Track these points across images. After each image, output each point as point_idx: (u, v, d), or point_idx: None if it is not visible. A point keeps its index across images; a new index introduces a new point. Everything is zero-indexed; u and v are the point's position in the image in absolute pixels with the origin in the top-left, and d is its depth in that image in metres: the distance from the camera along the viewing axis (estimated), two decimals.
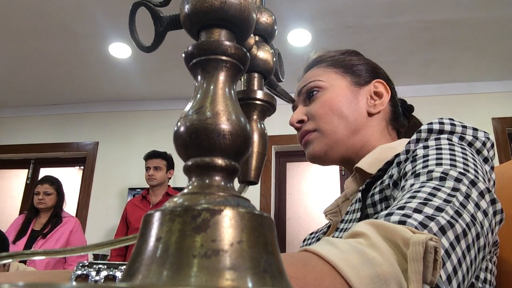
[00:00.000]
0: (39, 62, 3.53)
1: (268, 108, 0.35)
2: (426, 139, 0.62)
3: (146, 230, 0.21)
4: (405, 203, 0.44)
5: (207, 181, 0.23)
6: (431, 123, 0.63)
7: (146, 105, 4.22)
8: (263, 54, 0.35)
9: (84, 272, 0.39)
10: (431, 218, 0.41)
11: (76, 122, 4.32)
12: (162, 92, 4.03)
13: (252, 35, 0.33)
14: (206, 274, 0.18)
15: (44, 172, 4.30)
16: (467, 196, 0.47)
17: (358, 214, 0.65)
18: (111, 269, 0.39)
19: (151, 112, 4.21)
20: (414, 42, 3.15)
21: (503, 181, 0.75)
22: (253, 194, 3.57)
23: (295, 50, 3.16)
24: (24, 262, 2.37)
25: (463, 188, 0.48)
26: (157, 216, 0.21)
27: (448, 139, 0.59)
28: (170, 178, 3.39)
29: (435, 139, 0.60)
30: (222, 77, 0.25)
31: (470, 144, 0.60)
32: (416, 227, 0.40)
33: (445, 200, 0.45)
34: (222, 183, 0.23)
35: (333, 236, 0.69)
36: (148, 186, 3.33)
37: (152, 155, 3.31)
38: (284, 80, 0.42)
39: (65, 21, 2.97)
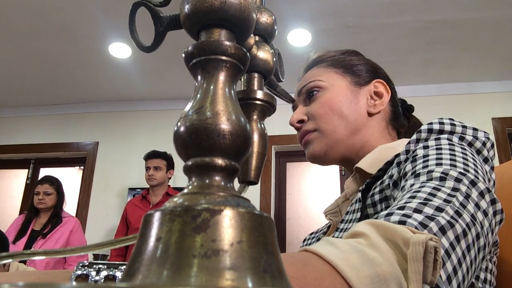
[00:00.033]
0: (39, 62, 3.53)
1: (268, 108, 0.35)
2: (426, 139, 0.62)
3: (146, 230, 0.21)
4: (405, 203, 0.44)
5: (207, 181, 0.23)
6: (431, 123, 0.63)
7: (146, 105, 4.22)
8: (263, 54, 0.35)
9: (84, 272, 0.39)
10: (431, 218, 0.41)
11: (76, 122, 4.32)
12: (162, 92, 4.04)
13: (252, 35, 0.33)
14: (206, 274, 0.18)
15: (44, 172, 4.30)
16: (467, 196, 0.47)
17: (358, 214, 0.65)
18: (111, 269, 0.39)
19: (151, 112, 4.21)
20: (414, 42, 3.15)
21: (503, 181, 0.75)
22: (253, 194, 3.57)
23: (295, 50, 3.16)
24: (24, 262, 2.37)
25: (463, 188, 0.48)
26: (157, 216, 0.21)
27: (448, 139, 0.59)
28: (170, 178, 3.39)
29: (435, 139, 0.60)
30: (222, 77, 0.25)
31: (470, 144, 0.60)
32: (416, 227, 0.40)
33: (445, 200, 0.45)
34: (222, 183, 0.23)
35: (333, 236, 0.69)
36: (148, 186, 3.33)
37: (152, 155, 3.31)
38: (284, 80, 0.42)
39: (65, 21, 2.98)
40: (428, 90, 3.73)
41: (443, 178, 0.49)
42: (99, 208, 3.95)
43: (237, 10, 0.26)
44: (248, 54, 0.26)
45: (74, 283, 0.23)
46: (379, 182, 0.65)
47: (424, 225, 0.40)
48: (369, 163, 0.72)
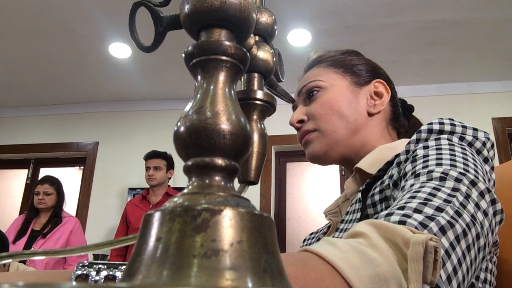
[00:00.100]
0: (39, 62, 3.53)
1: (268, 108, 0.35)
2: (426, 139, 0.62)
3: (146, 230, 0.21)
4: (405, 203, 0.44)
5: (207, 181, 0.23)
6: (431, 123, 0.63)
7: (146, 105, 4.22)
8: (263, 54, 0.35)
9: (84, 272, 0.39)
10: (431, 218, 0.41)
11: (76, 122, 4.32)
12: (162, 92, 4.04)
13: (252, 35, 0.33)
14: (206, 274, 0.18)
15: (44, 172, 4.31)
16: (467, 196, 0.47)
17: (358, 214, 0.65)
18: (111, 269, 0.39)
19: (151, 112, 4.21)
20: (414, 42, 3.15)
21: (503, 181, 0.75)
22: (253, 194, 3.57)
23: (295, 50, 3.16)
24: (24, 262, 2.37)
25: (463, 188, 0.48)
26: (157, 216, 0.21)
27: (448, 139, 0.59)
28: (170, 178, 3.39)
29: (435, 139, 0.60)
30: (222, 77, 0.25)
31: (470, 144, 0.60)
32: (416, 227, 0.40)
33: (445, 200, 0.45)
34: (222, 183, 0.23)
35: (333, 236, 0.69)
36: (148, 186, 3.33)
37: (152, 155, 3.32)
38: (284, 80, 0.42)
39: (65, 21, 2.98)
40: (428, 90, 3.73)
41: (443, 178, 0.49)
42: (99, 208, 3.95)
43: (237, 10, 0.26)
44: (248, 54, 0.26)
45: (74, 283, 0.23)
46: (379, 182, 0.65)
47: (424, 225, 0.40)
48: (369, 163, 0.72)
